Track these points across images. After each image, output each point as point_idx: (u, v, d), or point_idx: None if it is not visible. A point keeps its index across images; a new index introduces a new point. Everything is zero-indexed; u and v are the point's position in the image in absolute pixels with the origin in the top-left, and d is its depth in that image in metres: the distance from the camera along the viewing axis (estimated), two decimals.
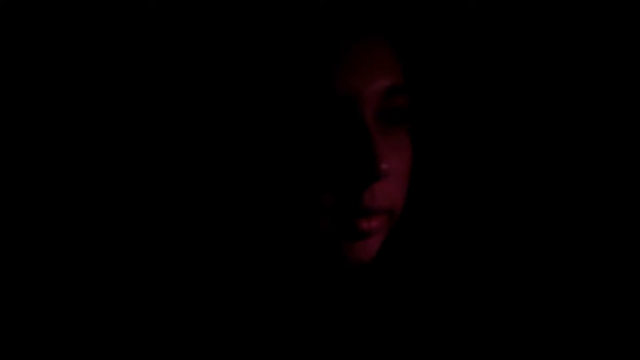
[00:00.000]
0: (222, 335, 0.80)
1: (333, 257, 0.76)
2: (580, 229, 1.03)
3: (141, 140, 0.93)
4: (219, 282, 0.81)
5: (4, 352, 0.86)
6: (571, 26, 1.02)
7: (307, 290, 0.81)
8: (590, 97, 1.03)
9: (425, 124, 0.90)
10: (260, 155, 0.77)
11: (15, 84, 0.94)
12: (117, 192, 0.94)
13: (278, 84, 0.76)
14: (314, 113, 0.75)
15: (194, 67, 0.84)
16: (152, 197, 0.91)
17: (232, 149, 0.79)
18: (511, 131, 1.04)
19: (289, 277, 0.81)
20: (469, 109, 1.03)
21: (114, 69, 0.94)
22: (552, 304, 0.99)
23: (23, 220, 0.93)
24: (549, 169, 1.04)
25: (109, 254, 0.90)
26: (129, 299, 0.82)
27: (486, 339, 0.89)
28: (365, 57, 0.76)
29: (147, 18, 0.93)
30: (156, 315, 0.80)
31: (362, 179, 0.74)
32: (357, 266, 0.77)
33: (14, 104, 0.94)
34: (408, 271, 0.89)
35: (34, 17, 0.93)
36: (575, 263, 1.03)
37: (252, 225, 0.80)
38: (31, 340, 0.85)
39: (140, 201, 0.92)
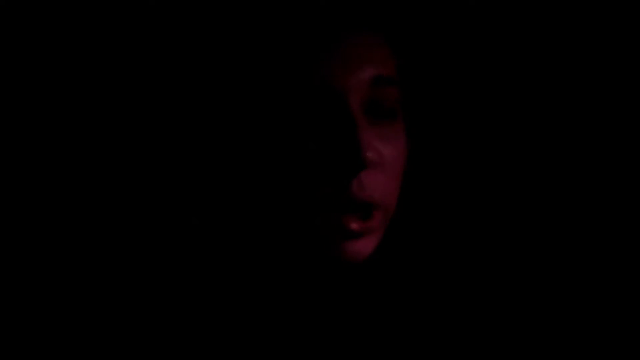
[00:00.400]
0: (215, 334, 0.79)
1: (325, 255, 0.76)
2: (578, 223, 1.03)
3: (127, 137, 0.92)
4: (209, 281, 0.81)
5: (4, 352, 0.86)
6: (561, 22, 1.02)
7: (300, 289, 0.80)
8: (579, 89, 1.03)
9: (423, 118, 0.90)
10: (247, 149, 0.77)
11: (15, 84, 0.94)
12: (109, 191, 0.93)
13: (263, 75, 0.76)
14: (301, 104, 0.75)
15: (178, 62, 0.83)
16: (139, 195, 0.91)
17: (218, 144, 0.79)
18: (510, 127, 1.04)
19: (281, 275, 0.80)
20: (466, 103, 1.03)
21: (102, 69, 0.94)
22: (549, 302, 0.99)
23: (22, 220, 0.93)
24: (552, 170, 1.04)
25: (102, 254, 0.90)
26: (124, 299, 0.82)
27: (483, 340, 0.89)
28: (351, 47, 0.76)
29: (127, 17, 0.93)
30: (151, 314, 0.80)
31: (347, 167, 0.73)
32: (351, 266, 0.76)
33: (14, 104, 0.94)
34: (404, 271, 0.89)
35: (34, 17, 0.93)
36: (573, 260, 1.02)
37: (241, 222, 0.80)
38: (31, 340, 0.85)
39: (129, 200, 0.92)
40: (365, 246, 0.76)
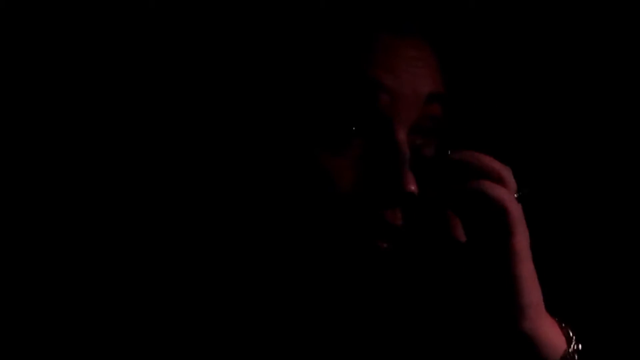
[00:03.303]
0: (226, 337, 0.79)
1: (350, 264, 0.74)
2: (586, 230, 1.03)
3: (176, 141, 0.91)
4: (228, 288, 0.80)
5: (4, 352, 0.86)
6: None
7: (319, 297, 0.79)
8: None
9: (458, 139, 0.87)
10: (284, 157, 0.75)
11: (15, 84, 0.94)
12: (133, 192, 0.93)
13: (312, 84, 0.74)
14: (348, 116, 0.73)
15: (222, 69, 0.82)
16: (169, 198, 0.90)
17: (253, 148, 0.77)
18: (538, 147, 1.02)
19: (300, 280, 0.78)
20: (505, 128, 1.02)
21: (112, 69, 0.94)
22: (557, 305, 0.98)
23: (23, 220, 0.93)
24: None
25: (118, 254, 0.89)
26: (133, 298, 0.82)
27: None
28: (408, 60, 0.74)
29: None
30: (165, 316, 0.79)
31: (388, 200, 0.72)
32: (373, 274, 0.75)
33: (14, 104, 0.94)
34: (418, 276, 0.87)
35: (34, 17, 0.93)
36: (579, 264, 1.02)
37: (269, 228, 0.77)
38: (31, 340, 0.85)
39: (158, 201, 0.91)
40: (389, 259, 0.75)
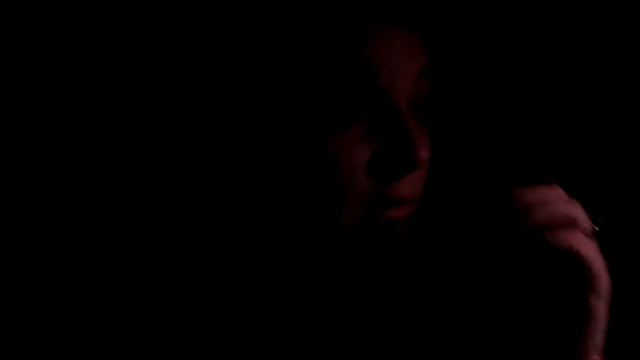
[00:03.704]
0: (232, 335, 0.78)
1: (358, 244, 0.74)
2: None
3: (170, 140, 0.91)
4: (239, 275, 0.80)
5: (4, 352, 0.86)
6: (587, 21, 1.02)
7: (328, 283, 0.79)
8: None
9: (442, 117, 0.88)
10: (293, 142, 0.75)
11: (15, 84, 0.94)
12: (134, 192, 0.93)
13: (309, 69, 0.75)
14: (347, 97, 0.74)
15: (215, 59, 0.82)
16: (165, 193, 0.90)
17: (263, 137, 0.77)
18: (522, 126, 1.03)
19: (309, 268, 0.78)
20: (487, 106, 1.02)
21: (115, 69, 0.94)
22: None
23: (23, 221, 0.93)
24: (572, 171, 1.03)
25: (117, 252, 0.90)
26: (132, 297, 0.82)
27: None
28: (397, 40, 0.76)
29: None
30: (167, 314, 0.79)
31: (401, 168, 0.73)
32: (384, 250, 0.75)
33: (14, 104, 0.94)
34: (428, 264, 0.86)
35: (34, 17, 0.93)
36: None
37: (277, 215, 0.78)
38: (31, 341, 0.85)
39: (156, 199, 0.91)
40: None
